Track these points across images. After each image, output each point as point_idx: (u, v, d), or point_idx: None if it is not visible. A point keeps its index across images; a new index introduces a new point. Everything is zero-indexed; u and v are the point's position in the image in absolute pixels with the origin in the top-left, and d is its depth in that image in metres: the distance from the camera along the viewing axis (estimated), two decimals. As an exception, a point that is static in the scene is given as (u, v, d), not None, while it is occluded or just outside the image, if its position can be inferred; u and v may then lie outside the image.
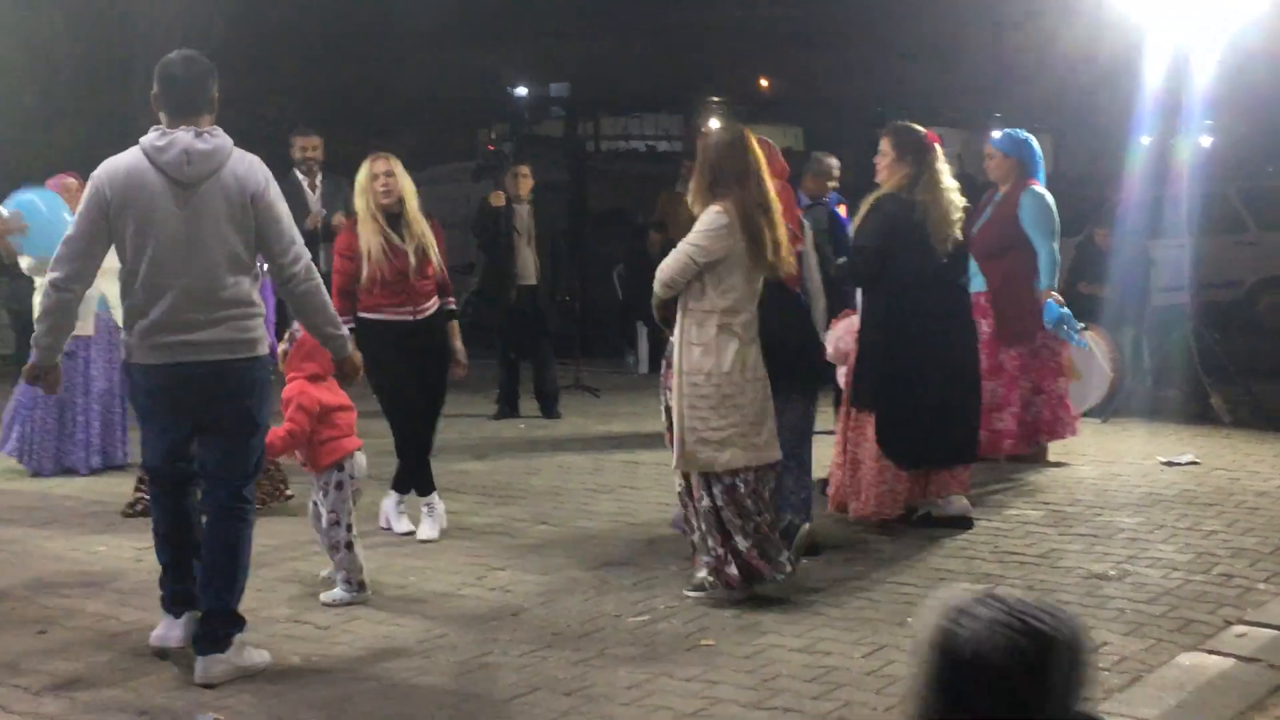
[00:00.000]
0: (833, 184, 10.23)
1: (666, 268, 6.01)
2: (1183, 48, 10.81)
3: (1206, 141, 19.37)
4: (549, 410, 11.66)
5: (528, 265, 11.50)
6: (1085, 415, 10.54)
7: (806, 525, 6.43)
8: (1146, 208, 11.73)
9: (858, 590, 6.17)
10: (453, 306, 7.71)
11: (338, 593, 6.16)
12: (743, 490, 5.99)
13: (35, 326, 5.36)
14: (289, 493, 8.07)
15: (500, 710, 4.81)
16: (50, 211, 8.27)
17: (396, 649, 5.49)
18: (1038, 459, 9.09)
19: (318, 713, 4.82)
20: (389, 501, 7.65)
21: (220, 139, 5.22)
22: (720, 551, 6.00)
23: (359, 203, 7.37)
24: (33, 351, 5.33)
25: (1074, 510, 7.71)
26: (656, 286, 6.09)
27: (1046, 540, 7.04)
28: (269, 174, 5.30)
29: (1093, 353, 10.71)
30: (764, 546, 5.98)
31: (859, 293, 7.65)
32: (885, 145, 7.29)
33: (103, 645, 5.60)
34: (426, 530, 7.39)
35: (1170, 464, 8.95)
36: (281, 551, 7.05)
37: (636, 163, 21.99)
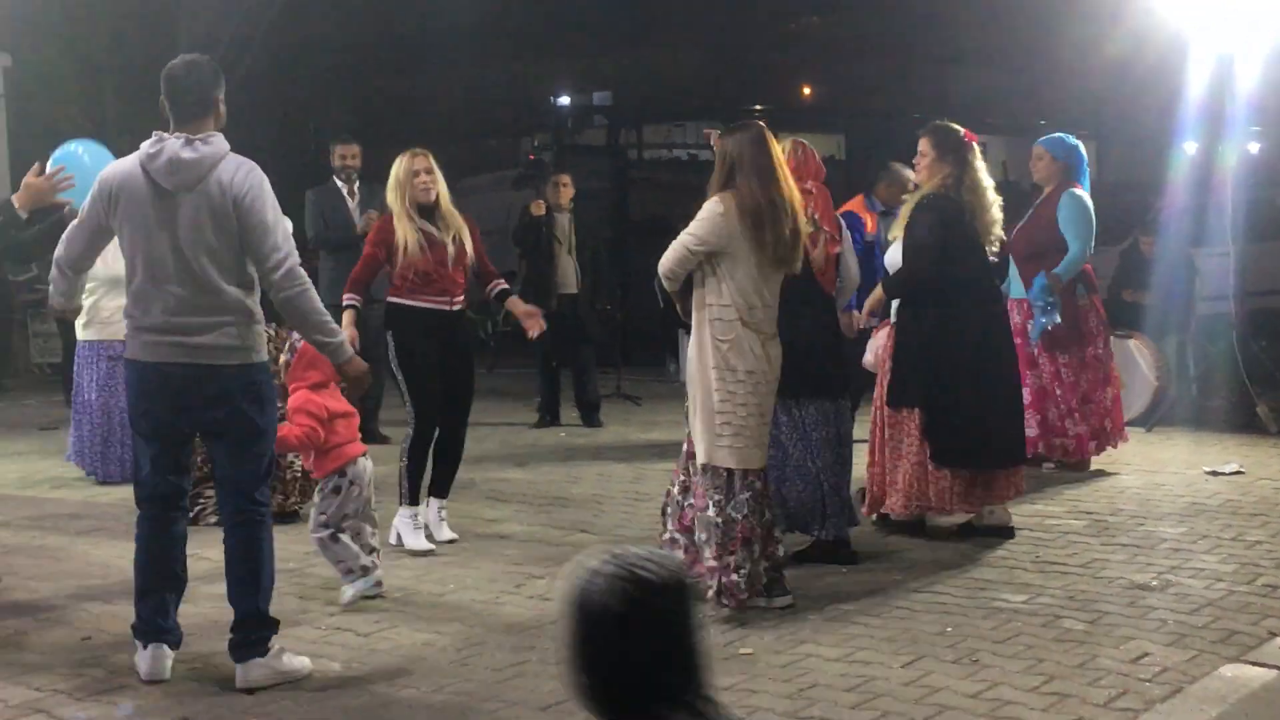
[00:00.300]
0: (905, 195, 10.05)
1: (665, 259, 6.07)
2: (1227, 52, 10.74)
3: (1255, 148, 19.22)
4: (590, 419, 11.68)
5: (568, 274, 11.53)
6: (1129, 424, 10.50)
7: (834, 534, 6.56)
8: (1191, 215, 11.65)
9: (897, 600, 6.15)
10: (505, 285, 7.74)
11: (347, 589, 6.22)
12: (761, 490, 6.04)
13: (50, 288, 5.68)
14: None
15: (535, 717, 4.81)
16: (94, 161, 8.02)
17: (435, 656, 5.51)
18: (1080, 468, 9.05)
19: (356, 716, 4.84)
20: (404, 514, 7.43)
21: (211, 147, 5.20)
22: (724, 562, 5.99)
23: (393, 197, 7.36)
24: (58, 298, 5.66)
25: (1116, 520, 7.66)
26: (662, 276, 6.16)
27: (1089, 550, 7.00)
28: (260, 180, 5.24)
29: (1137, 361, 10.68)
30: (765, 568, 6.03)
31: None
32: (925, 145, 7.29)
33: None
34: (448, 532, 7.48)
35: (1215, 474, 8.88)
36: (321, 558, 7.08)
37: (678, 171, 21.98)
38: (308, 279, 5.31)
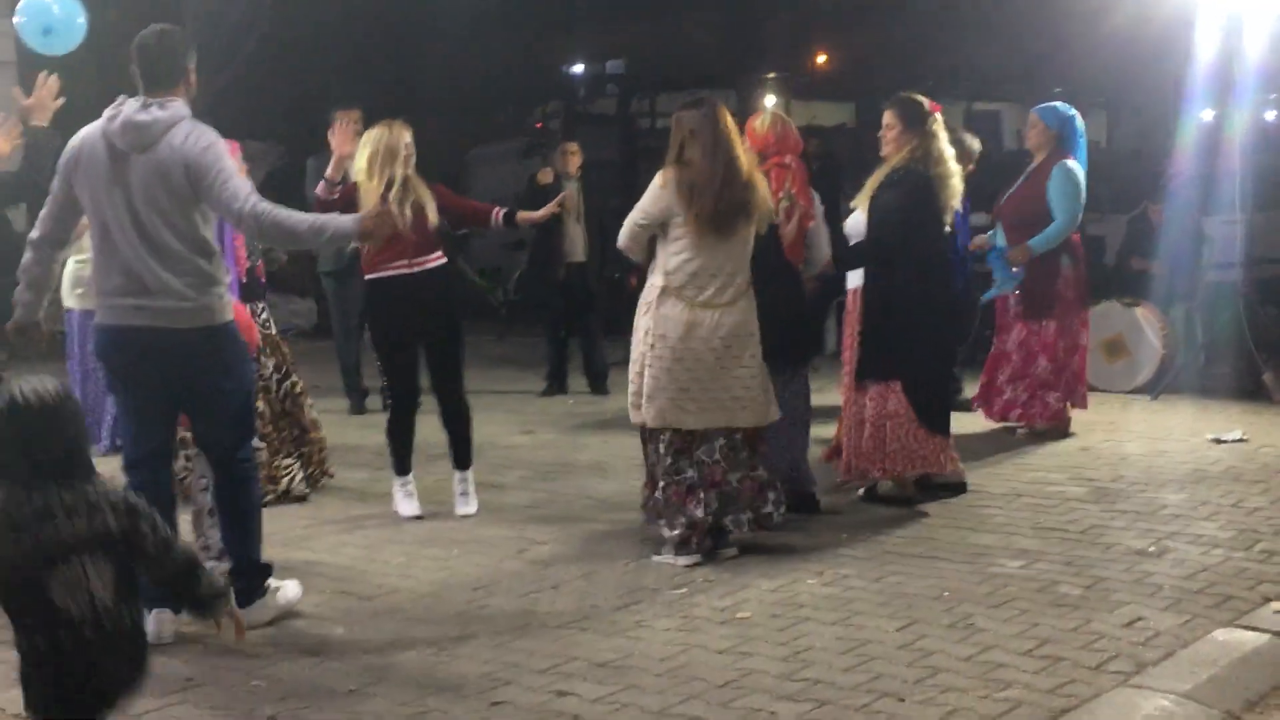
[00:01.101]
0: (971, 166, 9.35)
1: (620, 234, 6.47)
2: (1237, 18, 10.69)
3: (1271, 116, 19.10)
4: (598, 387, 11.73)
5: (576, 242, 11.56)
6: (1134, 391, 10.54)
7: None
8: (1200, 183, 11.61)
9: (894, 566, 6.19)
10: (505, 209, 7.86)
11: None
12: (662, 450, 6.36)
13: (19, 276, 5.55)
14: (331, 472, 8.17)
15: (535, 680, 4.88)
16: (63, 9, 7.47)
17: (438, 620, 5.58)
18: (1058, 433, 9.07)
19: (358, 680, 4.91)
20: (395, 484, 7.49)
21: (167, 111, 5.26)
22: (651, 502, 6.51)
23: (380, 171, 7.11)
24: (16, 310, 5.52)
25: (1118, 487, 7.70)
26: (621, 249, 6.57)
27: (1088, 516, 7.04)
28: (212, 141, 5.26)
29: (1143, 329, 10.69)
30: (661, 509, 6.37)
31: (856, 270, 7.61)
32: (891, 118, 7.33)
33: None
34: (464, 506, 7.43)
35: (1218, 441, 8.90)
36: (326, 529, 7.17)
37: (690, 140, 21.98)
38: (275, 208, 5.27)
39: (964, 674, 4.85)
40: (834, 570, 6.13)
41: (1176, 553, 6.34)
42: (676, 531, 6.30)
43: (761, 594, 5.82)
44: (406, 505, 7.37)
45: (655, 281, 6.37)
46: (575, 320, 11.80)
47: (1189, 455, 8.56)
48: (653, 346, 6.32)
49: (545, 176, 11.52)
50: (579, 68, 26.29)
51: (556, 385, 11.86)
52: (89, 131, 5.38)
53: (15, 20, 6.60)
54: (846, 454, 7.47)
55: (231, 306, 5.54)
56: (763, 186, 6.45)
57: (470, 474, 7.52)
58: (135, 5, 19.07)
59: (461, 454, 7.52)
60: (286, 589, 5.67)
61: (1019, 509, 7.23)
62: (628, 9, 30.19)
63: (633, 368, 6.47)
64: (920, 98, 7.38)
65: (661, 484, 6.39)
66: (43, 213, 5.50)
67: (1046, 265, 8.95)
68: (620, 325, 13.38)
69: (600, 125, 19.49)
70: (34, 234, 5.50)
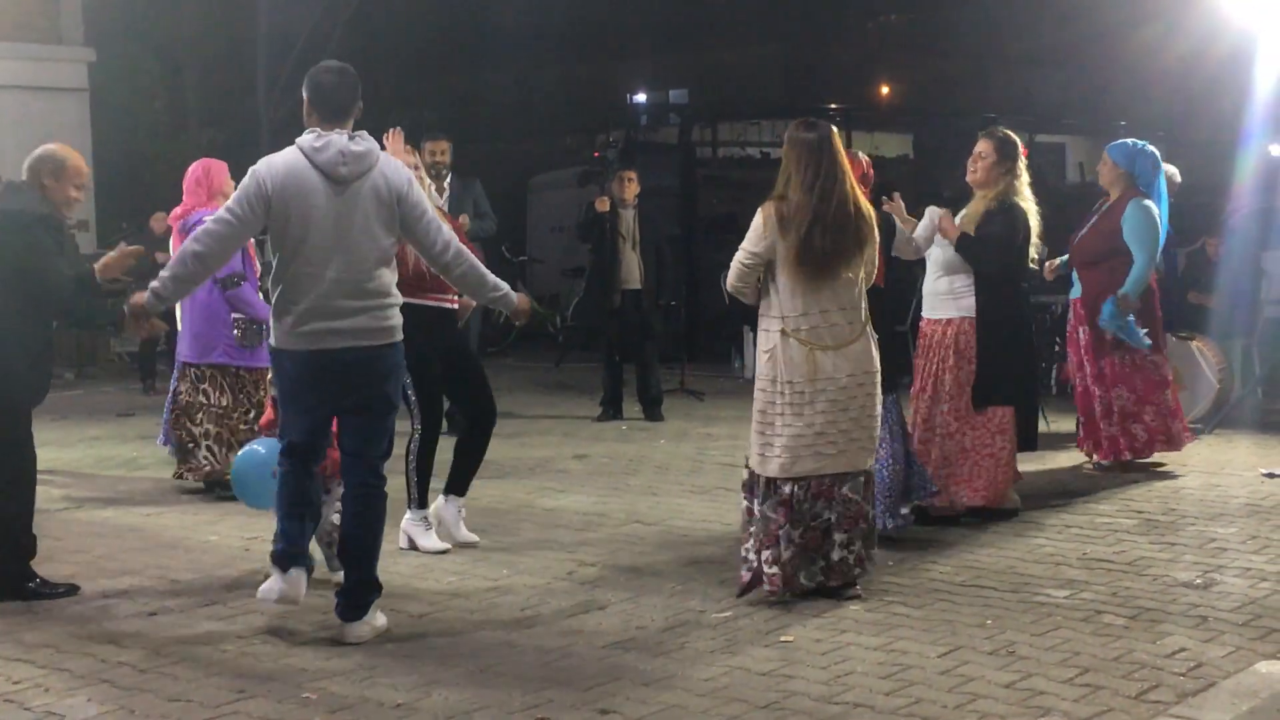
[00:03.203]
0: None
1: (729, 274, 6.25)
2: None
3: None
4: (652, 413, 11.82)
5: (632, 269, 11.67)
6: (1191, 425, 10.48)
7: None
8: (1259, 217, 11.57)
9: (940, 592, 6.24)
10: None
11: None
12: (799, 497, 6.07)
13: (163, 270, 5.71)
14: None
15: (580, 699, 4.96)
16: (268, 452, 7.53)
17: (485, 639, 5.68)
18: (1146, 469, 9.06)
19: (407, 695, 5.01)
20: (411, 519, 7.29)
21: (370, 143, 5.67)
22: (752, 559, 6.14)
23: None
24: (147, 294, 5.67)
25: (1167, 519, 7.69)
26: (730, 293, 6.33)
27: (1136, 548, 7.04)
28: (411, 175, 5.80)
29: (1199, 363, 10.65)
30: (800, 559, 6.09)
31: (950, 291, 7.65)
32: (987, 148, 7.55)
33: (209, 628, 5.86)
34: (466, 532, 7.30)
35: (1272, 475, 8.86)
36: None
37: (750, 169, 22.05)
38: (473, 257, 5.92)
39: (1003, 700, 4.88)
40: (878, 595, 6.17)
41: (1223, 585, 6.33)
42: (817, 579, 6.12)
43: (804, 617, 5.88)
44: (430, 539, 7.20)
45: (770, 326, 6.11)
46: (630, 346, 11.90)
47: (1242, 489, 8.53)
48: (781, 394, 6.06)
49: (602, 204, 11.65)
50: (642, 96, 26.52)
51: (611, 410, 11.96)
52: (289, 162, 5.57)
53: None
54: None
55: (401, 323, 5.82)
56: (872, 218, 6.24)
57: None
58: (209, 21, 19.50)
59: (468, 481, 7.40)
60: (381, 616, 5.80)
61: (1068, 539, 7.24)
62: (693, 39, 30.41)
63: (759, 418, 6.15)
64: (1015, 136, 7.65)
65: (797, 533, 6.06)
66: (213, 229, 5.62)
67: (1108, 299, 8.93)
68: (674, 352, 13.62)
69: (661, 153, 19.59)
70: (203, 246, 5.60)
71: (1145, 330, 8.85)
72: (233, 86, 18.38)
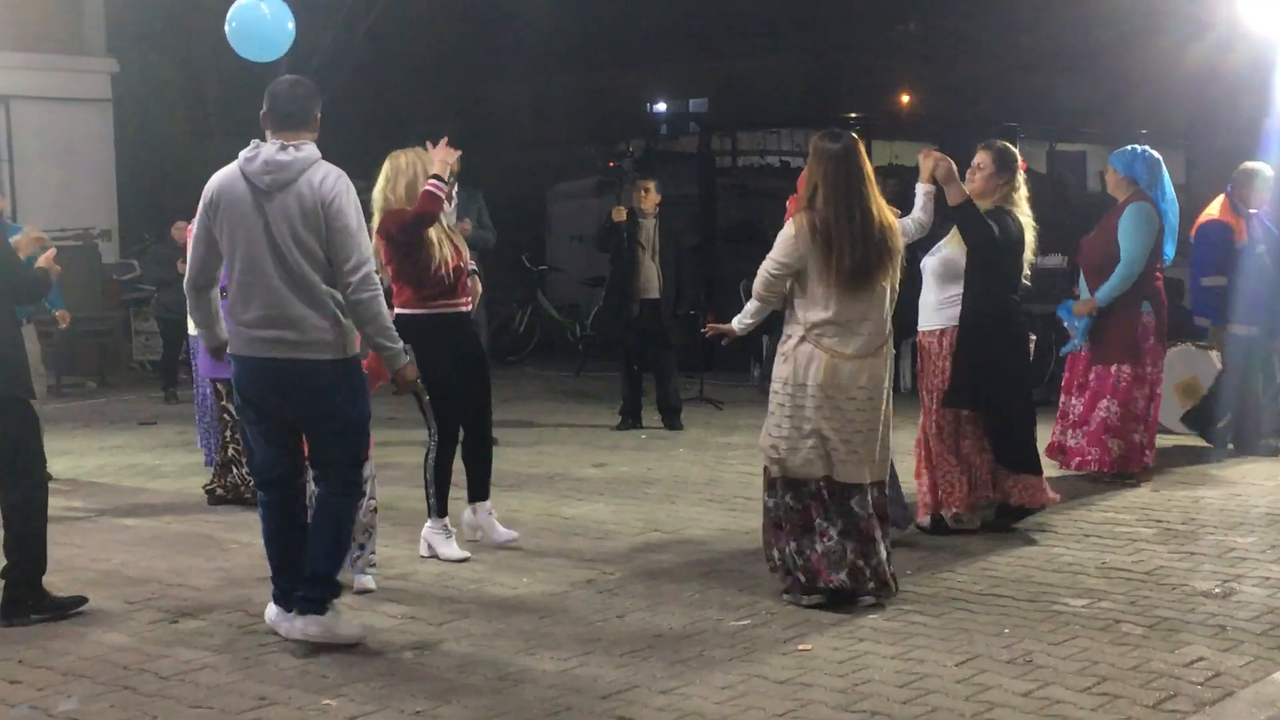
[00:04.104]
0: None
1: (755, 283, 6.27)
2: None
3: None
4: (671, 422, 11.83)
5: (651, 279, 11.68)
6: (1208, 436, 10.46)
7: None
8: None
9: (957, 601, 6.25)
10: (475, 267, 7.57)
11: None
12: (801, 502, 6.16)
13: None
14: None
15: (597, 705, 4.99)
16: (272, 11, 7.72)
17: (503, 646, 5.71)
18: (1142, 478, 9.04)
19: (426, 702, 5.04)
20: (431, 527, 7.28)
21: (302, 152, 5.62)
22: (774, 553, 6.26)
23: (405, 198, 7.01)
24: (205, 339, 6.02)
25: (1187, 529, 7.68)
26: (756, 300, 6.34)
27: (1155, 558, 7.03)
28: (346, 187, 5.64)
29: (1218, 372, 10.61)
30: (829, 558, 6.14)
31: (939, 302, 7.63)
32: (985, 159, 7.53)
33: (230, 637, 5.90)
34: (502, 531, 7.38)
35: (1294, 482, 8.84)
36: (400, 553, 7.30)
37: (770, 178, 22.05)
38: (379, 286, 5.69)
39: (1021, 709, 4.89)
40: (896, 604, 6.18)
41: (1242, 594, 6.33)
42: (799, 573, 6.17)
43: (822, 626, 5.89)
44: (450, 548, 7.20)
45: (792, 332, 6.18)
46: (649, 356, 11.92)
47: (1262, 499, 8.51)
48: (792, 396, 6.12)
49: (619, 214, 11.67)
50: (662, 105, 26.57)
51: (630, 419, 11.98)
52: (226, 174, 5.70)
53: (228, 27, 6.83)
54: (927, 491, 7.56)
55: (358, 339, 5.79)
56: (898, 231, 6.31)
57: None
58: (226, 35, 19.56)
59: (486, 485, 7.46)
60: (349, 624, 5.78)
61: (1086, 549, 7.24)
62: (713, 48, 30.46)
63: (771, 418, 6.22)
64: (1014, 149, 7.62)
65: (835, 527, 6.14)
66: (190, 258, 5.85)
67: (1127, 310, 8.92)
68: (693, 361, 13.63)
69: (680, 162, 19.62)
70: (189, 279, 5.84)
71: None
72: (254, 97, 18.48)
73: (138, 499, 9.10)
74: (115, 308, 17.39)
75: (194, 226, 5.83)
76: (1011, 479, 7.55)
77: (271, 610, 5.87)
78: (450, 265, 7.09)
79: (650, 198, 11.66)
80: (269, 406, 5.73)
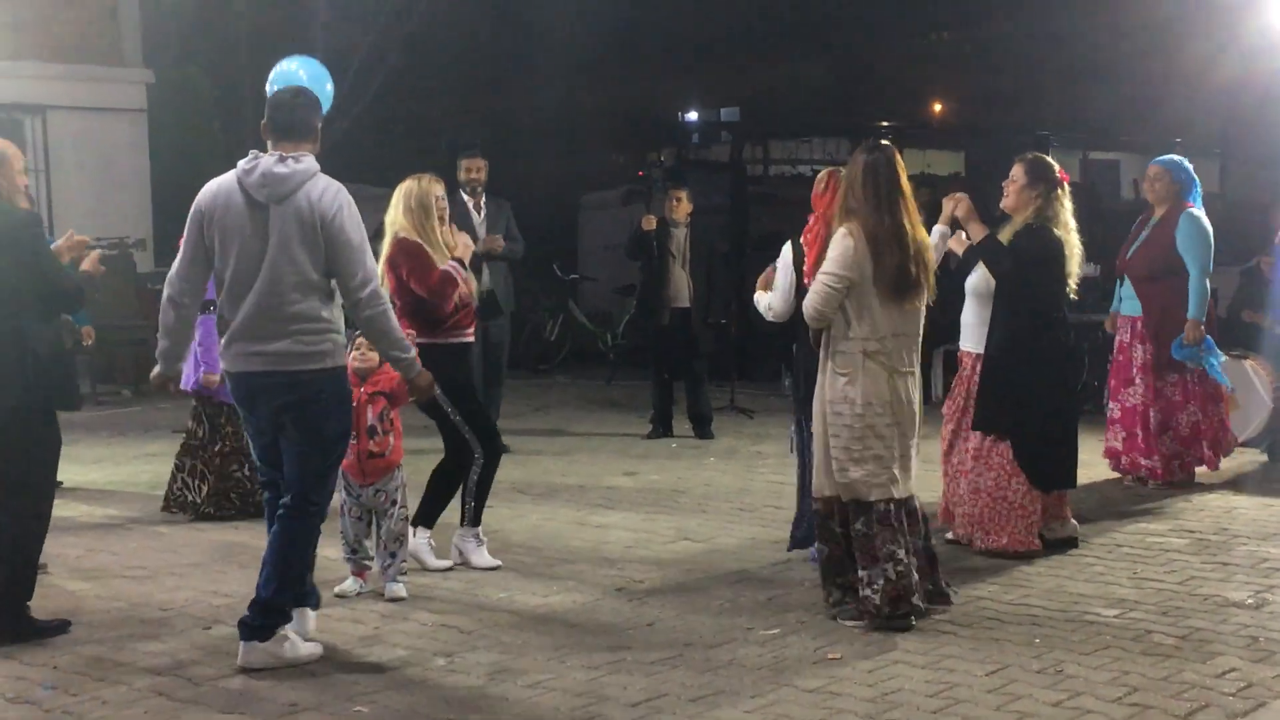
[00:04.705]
0: None
1: (809, 301, 6.12)
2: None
3: None
4: (702, 431, 11.84)
5: (681, 287, 11.70)
6: (1244, 445, 10.41)
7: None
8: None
9: (988, 612, 6.23)
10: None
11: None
12: (869, 527, 6.10)
13: (158, 339, 5.80)
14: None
15: (627, 713, 5.00)
16: (311, 76, 7.42)
17: (534, 653, 5.73)
18: (1187, 485, 9.03)
19: (456, 710, 5.07)
20: (462, 535, 7.27)
21: (301, 165, 5.57)
22: (861, 575, 6.11)
23: (420, 226, 7.03)
24: (158, 361, 5.77)
25: (1219, 539, 7.65)
26: (808, 320, 6.19)
27: (1187, 568, 7.01)
28: (347, 201, 5.58)
29: (1253, 382, 10.55)
30: (907, 578, 6.06)
31: (969, 322, 7.59)
32: (1018, 172, 7.35)
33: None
34: (487, 557, 7.25)
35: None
36: (462, 565, 7.33)
37: (801, 187, 22.09)
38: (387, 301, 5.67)
39: (1051, 719, 4.88)
40: (927, 615, 6.17)
41: (1275, 605, 6.30)
42: (875, 597, 6.07)
43: (852, 635, 5.89)
44: (481, 556, 7.20)
45: (850, 349, 6.06)
46: (680, 364, 11.92)
47: (1296, 509, 8.48)
48: (861, 416, 6.03)
49: (649, 223, 11.69)
50: (694, 114, 26.56)
51: (661, 428, 11.99)
52: (221, 183, 5.66)
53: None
54: (948, 507, 7.55)
55: (344, 350, 5.78)
56: (930, 247, 6.29)
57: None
58: (266, 43, 19.69)
59: (437, 515, 7.34)
60: (298, 646, 5.63)
61: (1118, 559, 7.22)
62: (744, 57, 30.43)
63: (838, 441, 6.10)
64: (1052, 161, 7.45)
65: (902, 550, 6.06)
66: (174, 268, 5.73)
67: (1179, 317, 8.92)
68: (724, 370, 13.63)
69: (711, 171, 19.63)
70: (169, 290, 5.70)
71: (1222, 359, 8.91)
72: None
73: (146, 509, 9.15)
74: (150, 316, 17.46)
75: (184, 236, 5.73)
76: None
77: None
78: (466, 296, 7.10)
79: (681, 207, 11.67)
80: (261, 422, 5.71)
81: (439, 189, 7.17)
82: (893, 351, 6.07)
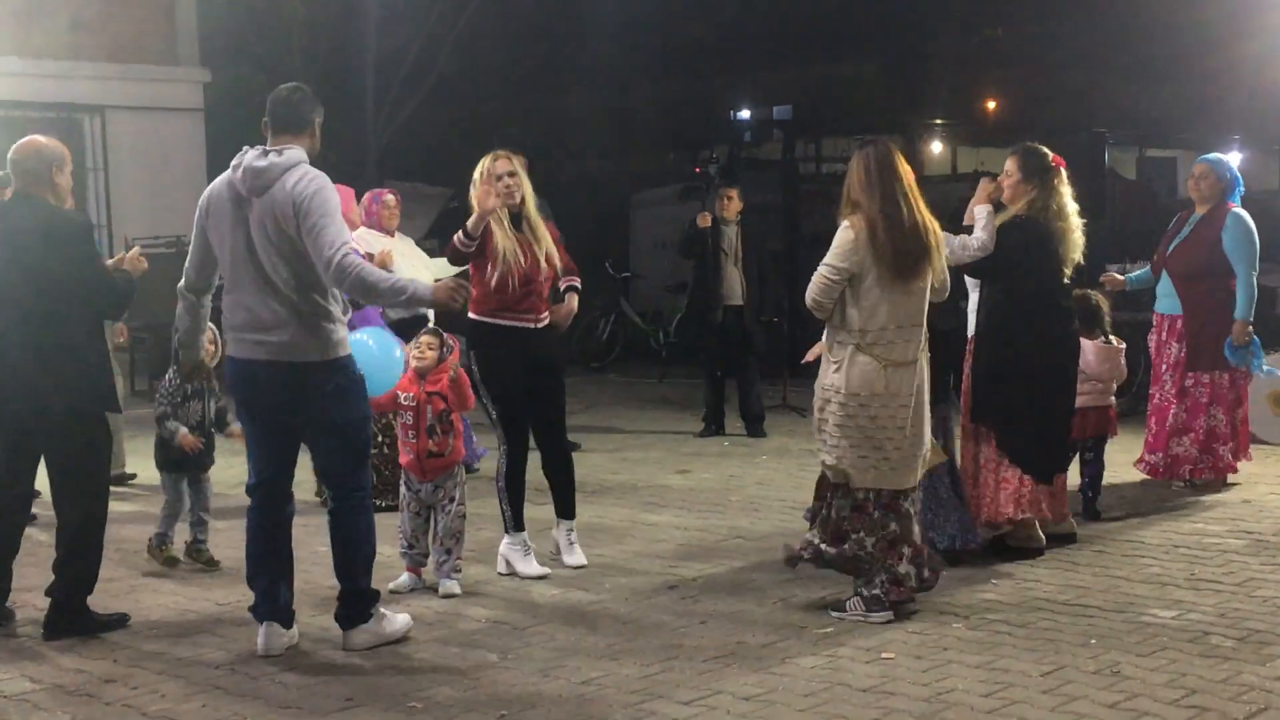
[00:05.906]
0: None
1: (809, 290, 6.22)
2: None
3: None
4: (754, 430, 11.82)
5: (734, 285, 11.69)
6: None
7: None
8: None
9: (1043, 613, 6.19)
10: (571, 284, 7.31)
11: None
12: (873, 504, 6.21)
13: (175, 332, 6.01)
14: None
15: (680, 711, 5.01)
16: (380, 350, 7.64)
17: (588, 651, 5.74)
18: (1212, 487, 8.93)
19: (509, 706, 5.09)
20: (509, 543, 7.14)
21: (283, 157, 5.62)
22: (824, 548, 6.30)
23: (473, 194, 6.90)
24: (179, 352, 6.04)
25: (1278, 540, 7.56)
26: (810, 309, 6.30)
27: (1246, 569, 6.94)
28: (321, 187, 5.56)
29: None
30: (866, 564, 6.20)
31: (967, 312, 7.56)
32: (1012, 166, 7.32)
33: (318, 637, 5.99)
34: (578, 555, 7.23)
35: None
36: (485, 560, 7.35)
37: (854, 185, 22.01)
38: (356, 264, 5.52)
39: (1107, 720, 4.86)
40: (980, 614, 6.15)
41: (1335, 607, 6.23)
42: (876, 590, 6.15)
43: (906, 635, 5.87)
44: (528, 565, 7.04)
45: (843, 339, 6.17)
46: (732, 362, 11.92)
47: (1356, 510, 8.38)
48: (844, 405, 6.14)
49: (703, 220, 11.68)
50: (746, 112, 26.53)
51: (713, 426, 11.98)
52: (219, 180, 5.79)
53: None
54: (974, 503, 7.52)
55: (347, 341, 5.82)
56: (938, 232, 6.31)
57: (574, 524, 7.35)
58: (321, 42, 19.80)
59: (569, 502, 7.31)
60: (394, 620, 5.90)
61: (1175, 560, 7.15)
62: (796, 54, 30.37)
63: (824, 424, 6.28)
64: (1044, 150, 7.35)
65: (870, 540, 6.20)
66: (186, 263, 5.91)
67: (1220, 317, 8.84)
68: (776, 368, 13.61)
69: (763, 169, 19.61)
70: (181, 284, 5.92)
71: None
72: (342, 107, 18.70)
73: (224, 503, 9.20)
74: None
75: (194, 232, 5.90)
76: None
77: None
78: (518, 275, 6.88)
79: (733, 205, 11.66)
80: (257, 408, 5.79)
81: (494, 164, 6.92)
82: (892, 343, 6.13)
